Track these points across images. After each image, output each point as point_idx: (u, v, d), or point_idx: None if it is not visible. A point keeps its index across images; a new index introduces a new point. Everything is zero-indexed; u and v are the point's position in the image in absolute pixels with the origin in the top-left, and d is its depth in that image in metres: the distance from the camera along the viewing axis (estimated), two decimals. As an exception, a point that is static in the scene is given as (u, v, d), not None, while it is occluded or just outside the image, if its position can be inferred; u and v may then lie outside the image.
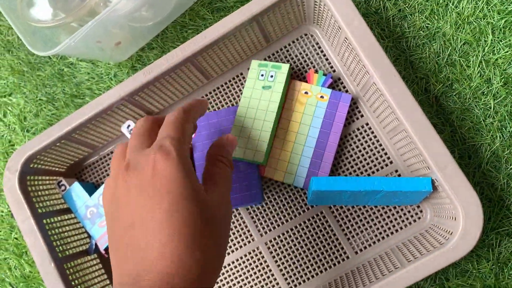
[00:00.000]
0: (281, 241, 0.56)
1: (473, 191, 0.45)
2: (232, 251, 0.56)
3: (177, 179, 0.33)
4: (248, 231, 0.56)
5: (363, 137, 0.55)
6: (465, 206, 0.44)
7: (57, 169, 0.59)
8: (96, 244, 0.57)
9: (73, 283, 0.52)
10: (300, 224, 0.55)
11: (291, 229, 0.55)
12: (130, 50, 0.61)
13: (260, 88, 0.54)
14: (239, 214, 0.57)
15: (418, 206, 0.53)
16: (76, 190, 0.57)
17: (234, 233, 0.56)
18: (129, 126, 0.57)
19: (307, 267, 0.55)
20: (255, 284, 0.55)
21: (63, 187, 0.58)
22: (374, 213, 0.54)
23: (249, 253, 0.56)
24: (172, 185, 0.33)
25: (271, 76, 0.54)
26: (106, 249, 0.56)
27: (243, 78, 0.59)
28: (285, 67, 0.54)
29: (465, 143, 0.55)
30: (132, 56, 0.63)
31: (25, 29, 0.51)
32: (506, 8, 0.55)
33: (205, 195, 0.35)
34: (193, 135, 0.57)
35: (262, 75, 0.55)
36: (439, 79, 0.56)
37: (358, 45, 0.48)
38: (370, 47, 0.48)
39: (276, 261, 0.55)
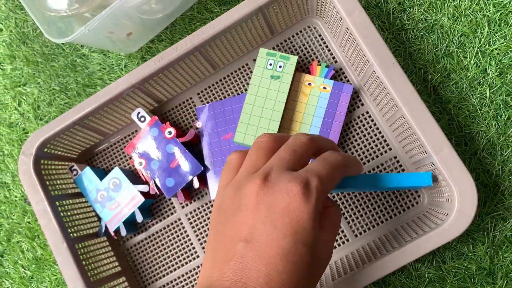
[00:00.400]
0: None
1: (468, 172, 0.47)
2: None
3: (304, 227, 0.33)
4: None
5: (363, 125, 0.58)
6: (460, 187, 0.46)
7: (69, 155, 0.62)
8: (106, 226, 0.59)
9: (84, 262, 0.55)
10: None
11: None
12: (140, 42, 0.64)
13: (268, 77, 0.57)
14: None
15: (416, 191, 0.55)
16: (88, 174, 0.60)
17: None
18: (138, 113, 0.60)
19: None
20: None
21: (75, 172, 0.61)
22: (373, 197, 0.56)
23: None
24: (298, 230, 0.33)
25: (280, 67, 0.57)
26: (116, 231, 0.59)
27: (249, 68, 0.61)
28: (294, 59, 0.56)
29: (461, 130, 0.57)
30: (142, 48, 0.65)
31: (42, 18, 0.54)
32: (502, 1, 0.57)
33: (319, 244, 0.35)
34: (199, 125, 0.59)
35: (271, 64, 0.57)
36: (437, 69, 0.58)
37: (359, 34, 0.50)
38: (370, 36, 0.50)
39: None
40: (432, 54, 0.59)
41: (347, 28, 0.52)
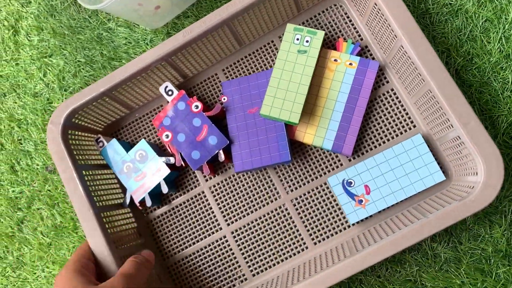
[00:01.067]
0: (307, 198, 0.59)
1: (494, 144, 0.47)
2: (260, 207, 0.59)
3: None
4: (275, 189, 0.59)
5: (388, 102, 0.58)
6: (486, 159, 0.47)
7: (95, 127, 0.63)
8: (131, 197, 0.60)
9: (109, 231, 0.55)
10: (325, 183, 0.58)
11: (316, 188, 0.59)
12: (167, 17, 0.65)
13: (295, 52, 0.57)
14: (267, 173, 0.60)
15: (442, 166, 0.56)
16: (114, 146, 0.61)
17: (261, 190, 0.60)
18: (166, 87, 0.61)
19: (331, 224, 0.58)
20: (281, 239, 0.58)
21: (101, 144, 0.62)
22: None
23: (275, 209, 0.59)
24: None
25: (307, 41, 0.57)
26: (141, 202, 0.60)
27: (274, 45, 0.62)
28: (321, 34, 0.57)
29: (482, 114, 0.57)
30: (168, 23, 0.66)
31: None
32: (528, -16, 0.58)
33: None
34: (225, 100, 0.60)
35: (298, 39, 0.58)
36: (460, 54, 0.59)
37: (387, 9, 0.51)
38: (399, 11, 0.51)
39: (301, 218, 0.58)
40: (456, 38, 0.59)
41: (375, 4, 0.53)
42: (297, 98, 0.56)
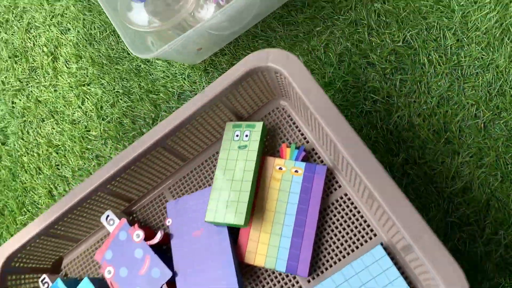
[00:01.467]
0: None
1: (451, 258, 0.40)
2: None
3: None
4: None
5: (343, 209, 0.53)
6: (446, 278, 0.39)
7: (40, 265, 0.60)
8: None
9: None
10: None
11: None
12: (205, 54, 0.64)
13: (236, 148, 0.54)
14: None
15: (410, 282, 0.48)
16: (59, 286, 0.56)
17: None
18: (108, 216, 0.58)
19: None
20: None
21: (46, 285, 0.58)
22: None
23: None
24: None
25: (246, 136, 0.54)
26: None
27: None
28: (259, 125, 0.54)
29: (507, 168, 0.58)
30: (205, 60, 0.65)
31: (123, 29, 0.53)
32: (559, 47, 0.58)
33: None
34: (169, 223, 0.57)
35: (237, 135, 0.55)
36: (489, 107, 0.58)
37: (318, 114, 0.46)
38: (330, 115, 0.46)
39: None
40: (486, 91, 0.58)
41: (305, 106, 0.49)
42: (241, 197, 0.52)
